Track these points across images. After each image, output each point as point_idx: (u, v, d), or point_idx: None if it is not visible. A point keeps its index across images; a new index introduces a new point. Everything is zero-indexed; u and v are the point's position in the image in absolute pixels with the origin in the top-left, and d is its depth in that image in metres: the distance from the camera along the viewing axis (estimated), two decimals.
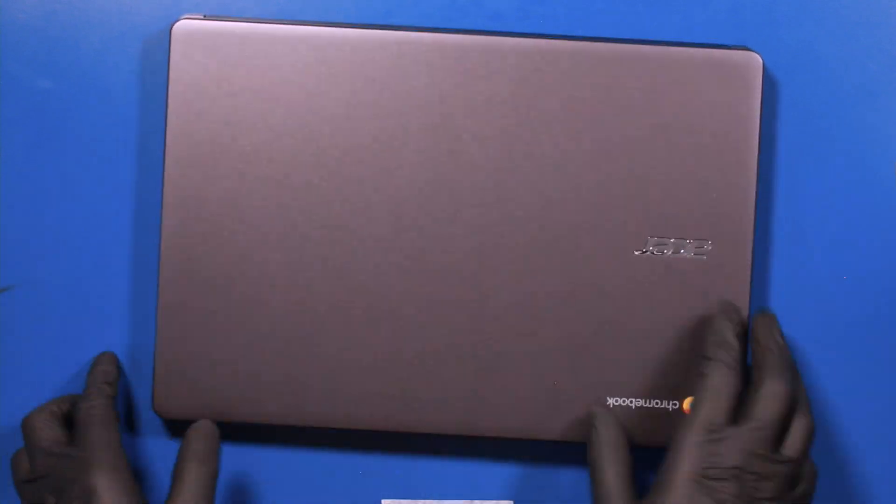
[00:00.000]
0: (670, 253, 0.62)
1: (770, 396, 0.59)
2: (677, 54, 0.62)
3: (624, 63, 0.62)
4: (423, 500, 0.67)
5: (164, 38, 0.64)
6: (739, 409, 0.59)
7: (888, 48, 0.66)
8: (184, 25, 0.62)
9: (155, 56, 0.65)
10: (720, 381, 0.59)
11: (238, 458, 0.66)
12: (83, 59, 0.65)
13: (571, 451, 0.67)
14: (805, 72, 0.66)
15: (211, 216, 0.62)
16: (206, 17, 0.62)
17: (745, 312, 0.63)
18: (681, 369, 0.63)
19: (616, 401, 0.63)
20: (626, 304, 0.63)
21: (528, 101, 0.62)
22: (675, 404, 0.63)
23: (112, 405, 0.62)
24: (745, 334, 0.62)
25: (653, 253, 0.62)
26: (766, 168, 0.66)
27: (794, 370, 0.61)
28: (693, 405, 0.59)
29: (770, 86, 0.66)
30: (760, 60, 0.62)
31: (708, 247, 0.63)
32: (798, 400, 0.60)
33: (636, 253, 0.62)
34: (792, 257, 0.67)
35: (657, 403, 0.63)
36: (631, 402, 0.63)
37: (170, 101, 0.62)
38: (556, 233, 0.62)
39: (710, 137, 0.62)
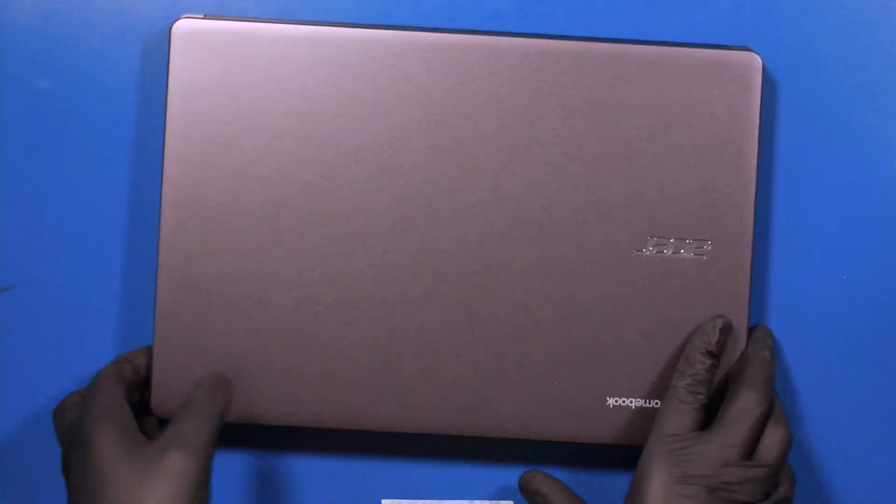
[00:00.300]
0: (670, 253, 0.62)
1: (744, 406, 0.59)
2: (677, 54, 0.62)
3: (624, 63, 0.62)
4: (422, 500, 0.67)
5: (164, 38, 0.64)
6: (715, 417, 0.60)
7: (888, 48, 0.66)
8: (183, 25, 0.62)
9: (155, 56, 0.65)
10: (685, 393, 0.60)
11: (238, 460, 0.66)
12: (83, 59, 0.65)
13: (571, 452, 0.67)
14: (805, 72, 0.66)
15: (210, 216, 0.62)
16: (206, 17, 0.62)
17: (742, 319, 0.63)
18: None
19: (616, 401, 0.63)
20: (626, 304, 0.62)
21: (528, 101, 0.62)
22: None
23: (120, 372, 0.61)
24: (723, 349, 0.62)
25: (653, 253, 0.62)
26: (766, 168, 0.66)
27: (772, 384, 0.62)
28: (658, 416, 0.60)
29: (770, 86, 0.66)
30: (760, 61, 0.62)
31: (708, 247, 0.62)
32: (774, 410, 0.61)
33: (636, 253, 0.62)
34: (792, 257, 0.67)
35: (657, 404, 0.63)
36: (631, 402, 0.63)
37: (169, 100, 0.62)
38: (556, 233, 0.62)
39: (709, 138, 0.62)
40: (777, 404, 0.61)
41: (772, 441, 0.60)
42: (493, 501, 0.67)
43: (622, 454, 0.65)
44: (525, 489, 0.64)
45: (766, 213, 0.66)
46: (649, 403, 0.63)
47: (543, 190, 0.62)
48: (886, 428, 0.67)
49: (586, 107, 0.62)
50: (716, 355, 0.61)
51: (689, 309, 0.63)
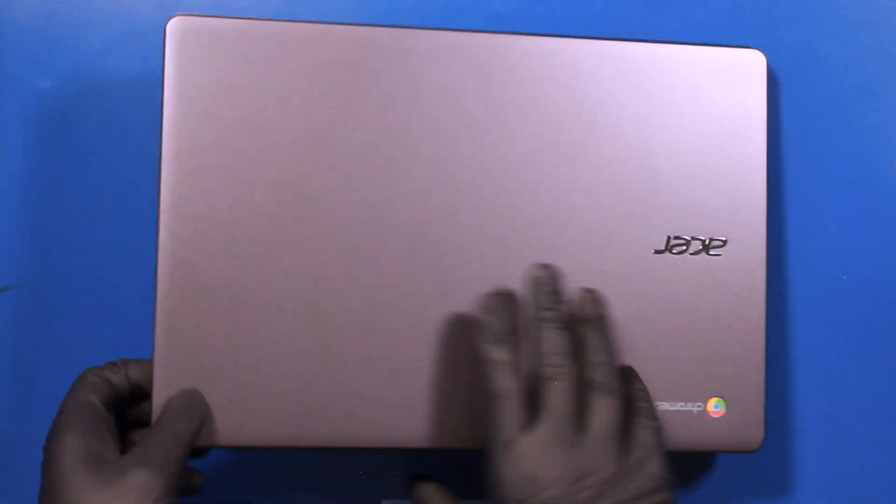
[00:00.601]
0: (687, 252, 0.61)
1: (546, 392, 0.55)
2: (684, 53, 0.62)
3: (634, 61, 0.61)
4: None
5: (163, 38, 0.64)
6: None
7: (888, 48, 0.66)
8: (179, 23, 0.59)
9: (155, 57, 0.65)
10: (503, 387, 0.55)
11: (238, 459, 0.66)
12: (83, 59, 0.65)
13: None
14: (805, 72, 0.66)
15: (210, 223, 0.59)
16: (199, 16, 0.60)
17: (760, 317, 0.61)
18: (703, 370, 0.62)
19: None
20: (646, 305, 0.61)
21: (539, 101, 0.61)
22: (700, 406, 0.62)
23: (104, 377, 0.58)
24: (513, 329, 0.57)
25: (672, 253, 0.61)
26: (769, 168, 0.66)
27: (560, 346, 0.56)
28: (485, 422, 0.55)
29: (770, 86, 0.66)
30: (764, 58, 0.62)
31: (724, 245, 0.62)
32: (595, 378, 0.56)
33: (654, 253, 0.61)
34: (791, 257, 0.67)
35: (682, 406, 0.62)
36: (658, 405, 0.61)
37: (165, 101, 0.59)
38: (573, 236, 0.61)
39: (719, 136, 0.61)
40: (602, 373, 0.56)
41: (594, 409, 0.55)
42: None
43: None
44: (414, 498, 0.62)
45: (767, 213, 0.66)
46: (674, 406, 0.61)
47: (558, 193, 0.61)
48: (886, 428, 0.67)
49: (598, 105, 0.61)
50: (506, 339, 0.56)
51: (710, 308, 0.62)
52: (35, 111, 0.65)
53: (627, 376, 0.59)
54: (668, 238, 0.61)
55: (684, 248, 0.61)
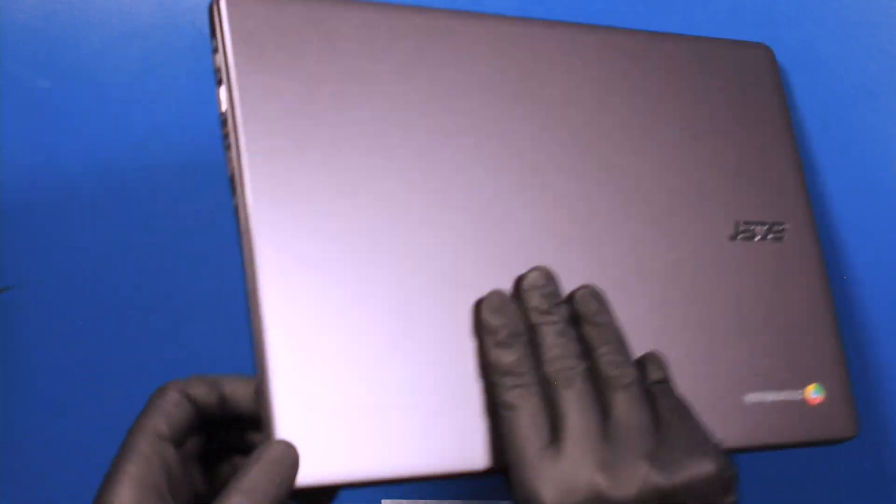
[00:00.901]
0: (756, 237, 0.60)
1: (565, 396, 0.51)
2: (703, 44, 0.61)
3: (657, 52, 0.59)
4: (423, 500, 0.67)
5: (164, 39, 0.64)
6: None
7: (888, 48, 0.66)
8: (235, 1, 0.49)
9: (155, 56, 0.65)
10: (518, 399, 0.50)
11: None
12: (83, 59, 0.65)
13: None
14: (805, 72, 0.66)
15: (306, 230, 0.50)
16: None
17: (826, 296, 0.60)
18: (790, 356, 0.59)
19: (754, 396, 0.57)
20: (729, 294, 0.58)
21: (584, 93, 0.57)
22: (799, 393, 0.58)
23: (180, 396, 0.50)
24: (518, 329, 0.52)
25: (742, 238, 0.59)
26: None
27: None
28: (504, 436, 0.50)
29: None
30: (772, 51, 0.62)
31: (784, 228, 0.60)
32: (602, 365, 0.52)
33: (729, 240, 0.59)
34: None
35: (785, 395, 0.58)
36: (766, 395, 0.58)
37: (238, 102, 0.49)
38: (648, 229, 0.57)
39: (749, 125, 0.60)
40: (615, 366, 0.52)
41: (615, 405, 0.51)
42: (494, 501, 0.67)
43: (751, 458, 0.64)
44: None
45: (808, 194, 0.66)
46: (779, 396, 0.58)
47: (627, 188, 0.57)
48: (887, 428, 0.67)
49: (630, 98, 0.58)
50: (515, 341, 0.51)
51: (783, 293, 0.59)
52: (35, 111, 0.65)
53: (649, 364, 0.54)
54: (737, 223, 0.59)
55: (752, 233, 0.60)
